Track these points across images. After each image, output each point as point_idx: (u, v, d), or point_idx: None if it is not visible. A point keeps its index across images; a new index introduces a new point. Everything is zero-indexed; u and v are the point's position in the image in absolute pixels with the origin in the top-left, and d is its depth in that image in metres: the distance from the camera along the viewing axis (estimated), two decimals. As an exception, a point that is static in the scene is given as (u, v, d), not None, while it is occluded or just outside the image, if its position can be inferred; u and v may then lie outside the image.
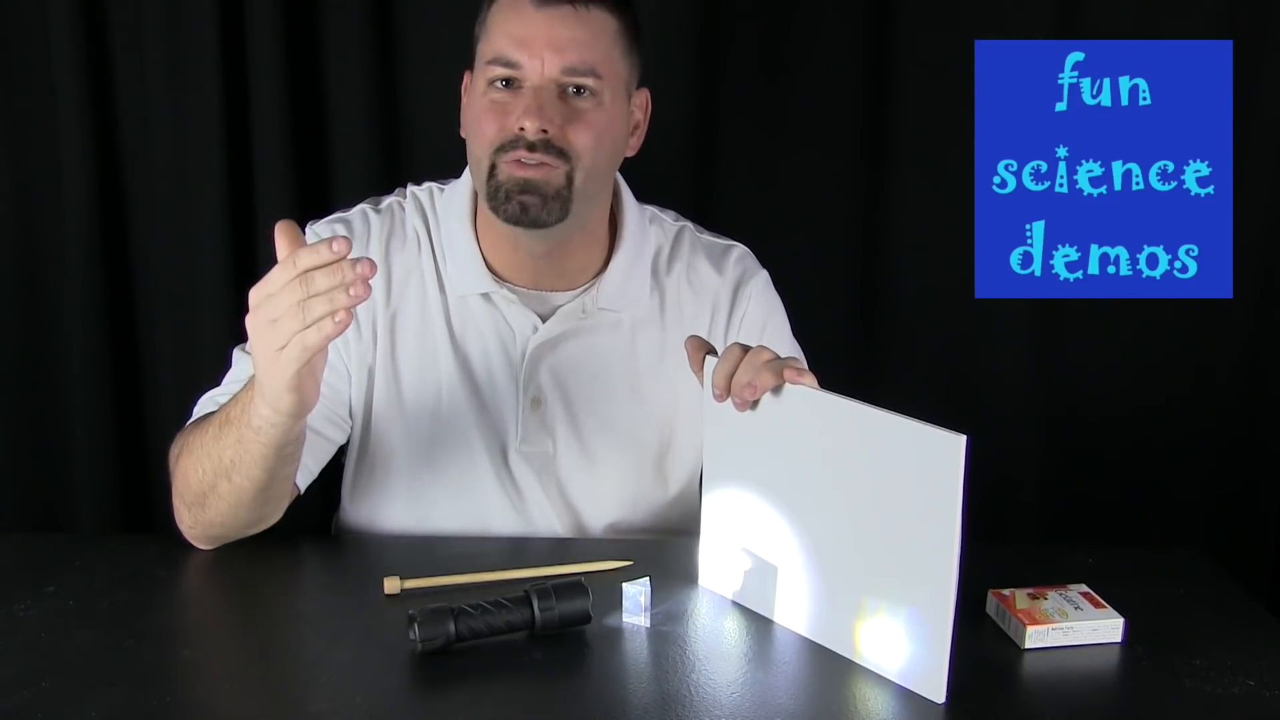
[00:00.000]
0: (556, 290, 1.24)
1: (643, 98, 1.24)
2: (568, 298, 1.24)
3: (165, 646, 0.95)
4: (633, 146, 1.24)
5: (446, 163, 1.32)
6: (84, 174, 1.58)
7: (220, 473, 1.06)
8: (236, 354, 1.22)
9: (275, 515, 1.14)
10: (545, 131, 1.11)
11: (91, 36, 1.56)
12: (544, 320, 1.22)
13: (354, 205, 1.27)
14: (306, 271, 0.89)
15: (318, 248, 0.88)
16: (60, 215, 1.60)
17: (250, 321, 0.93)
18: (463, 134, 1.22)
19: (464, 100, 1.22)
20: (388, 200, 1.27)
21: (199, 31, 1.55)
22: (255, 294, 0.92)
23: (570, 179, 1.13)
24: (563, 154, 1.13)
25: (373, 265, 0.89)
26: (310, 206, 1.41)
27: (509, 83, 1.14)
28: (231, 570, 1.11)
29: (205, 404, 1.20)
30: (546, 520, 1.24)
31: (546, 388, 1.23)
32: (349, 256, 0.89)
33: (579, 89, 1.14)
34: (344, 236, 0.89)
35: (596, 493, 1.25)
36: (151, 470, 1.68)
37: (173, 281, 1.63)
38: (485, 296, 1.22)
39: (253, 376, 1.00)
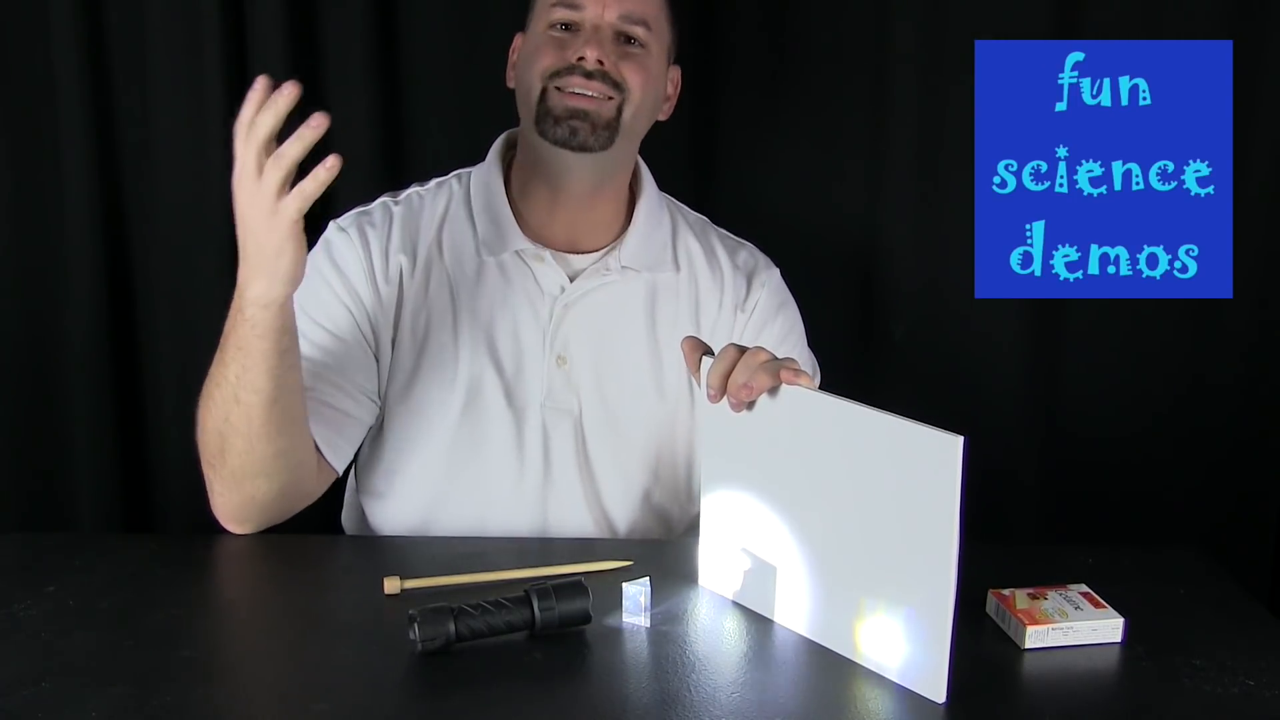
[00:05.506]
0: (581, 252, 1.28)
1: (675, 73, 1.34)
2: (593, 258, 1.28)
3: (165, 646, 0.95)
4: (665, 111, 1.34)
5: (447, 163, 1.32)
6: (84, 174, 1.58)
7: (230, 398, 1.07)
8: None
9: (299, 470, 1.14)
10: (601, 63, 1.21)
11: (91, 36, 1.56)
12: (571, 281, 1.27)
13: (374, 200, 1.31)
14: (252, 123, 0.96)
15: (248, 101, 0.96)
16: (60, 215, 1.60)
17: (238, 194, 1.00)
18: (510, 84, 1.31)
19: (511, 60, 1.32)
20: (407, 191, 1.32)
21: (199, 31, 1.55)
22: (234, 175, 1.00)
23: (620, 111, 1.23)
24: (616, 85, 1.22)
25: (295, 84, 0.94)
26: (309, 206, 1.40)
27: (568, 26, 1.23)
28: (231, 570, 1.12)
29: None
30: (566, 479, 1.26)
31: (572, 345, 1.26)
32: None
33: (630, 38, 1.24)
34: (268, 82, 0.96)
35: (619, 452, 1.28)
36: (151, 470, 1.68)
37: (173, 281, 1.63)
38: (518, 255, 1.26)
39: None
